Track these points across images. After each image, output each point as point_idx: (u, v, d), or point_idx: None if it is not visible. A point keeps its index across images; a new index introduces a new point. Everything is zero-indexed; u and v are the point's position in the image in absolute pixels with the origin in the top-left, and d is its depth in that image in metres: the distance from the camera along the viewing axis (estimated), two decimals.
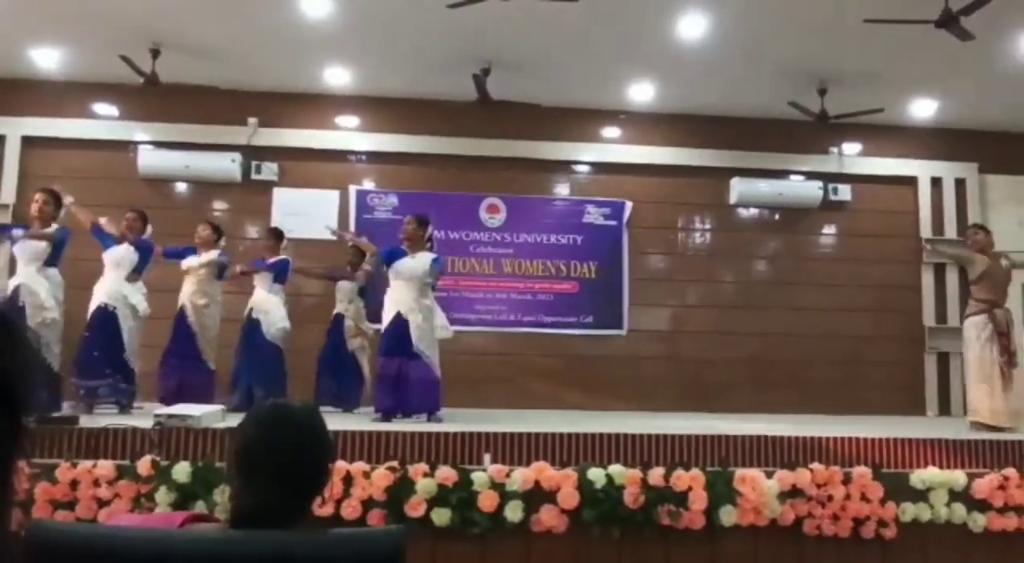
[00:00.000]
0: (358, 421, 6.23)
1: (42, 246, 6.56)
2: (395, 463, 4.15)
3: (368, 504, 4.03)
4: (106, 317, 6.72)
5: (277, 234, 8.19)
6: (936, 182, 10.52)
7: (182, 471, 4.01)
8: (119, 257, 6.94)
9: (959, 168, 10.50)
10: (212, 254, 7.60)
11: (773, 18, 7.72)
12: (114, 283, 6.81)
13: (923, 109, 9.91)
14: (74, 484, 4.01)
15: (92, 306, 6.83)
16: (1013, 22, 7.64)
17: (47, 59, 8.93)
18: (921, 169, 10.50)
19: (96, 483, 4.00)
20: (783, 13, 7.62)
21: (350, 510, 3.99)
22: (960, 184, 10.53)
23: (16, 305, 6.41)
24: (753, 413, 6.90)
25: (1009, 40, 8.01)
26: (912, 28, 7.06)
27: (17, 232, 6.88)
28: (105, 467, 4.03)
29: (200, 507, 3.91)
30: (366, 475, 4.07)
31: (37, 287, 6.41)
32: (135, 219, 7.31)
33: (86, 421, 4.62)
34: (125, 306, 6.77)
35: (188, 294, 7.45)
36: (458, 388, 8.27)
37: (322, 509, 4.00)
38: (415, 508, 4.03)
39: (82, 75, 9.24)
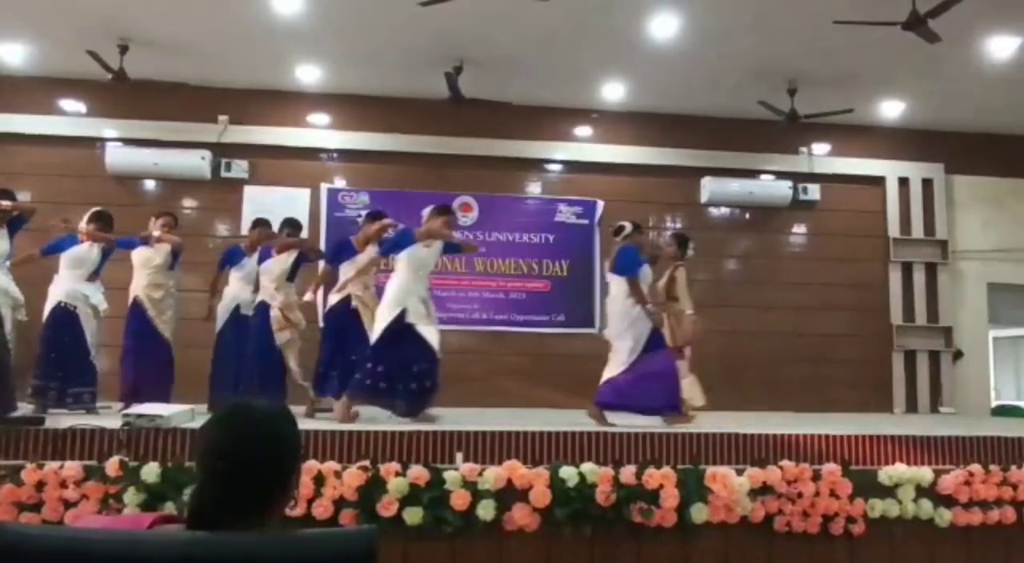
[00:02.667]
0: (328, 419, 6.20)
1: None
2: (367, 462, 4.13)
3: (340, 504, 4.00)
4: (66, 317, 6.56)
5: (295, 225, 7.47)
6: (903, 182, 10.67)
7: (151, 472, 3.96)
8: (80, 256, 6.78)
9: (926, 168, 10.66)
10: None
11: (743, 18, 7.78)
12: (72, 281, 6.66)
13: (891, 110, 10.04)
14: (40, 485, 3.94)
15: (49, 305, 6.65)
16: (979, 25, 7.76)
17: (12, 54, 8.80)
18: (889, 169, 10.65)
19: (63, 484, 3.93)
20: (753, 13, 7.69)
21: (321, 510, 3.96)
22: (927, 184, 10.69)
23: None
24: (724, 411, 6.93)
25: (976, 42, 8.13)
26: (881, 30, 7.15)
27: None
28: (72, 468, 3.96)
29: (169, 508, 3.86)
30: (337, 474, 4.04)
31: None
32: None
33: (52, 422, 4.54)
34: (86, 305, 6.63)
35: (142, 287, 7.08)
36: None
37: (293, 509, 3.98)
38: (387, 507, 4.01)
39: (48, 70, 9.12)
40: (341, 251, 6.78)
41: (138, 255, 7.15)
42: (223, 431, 1.56)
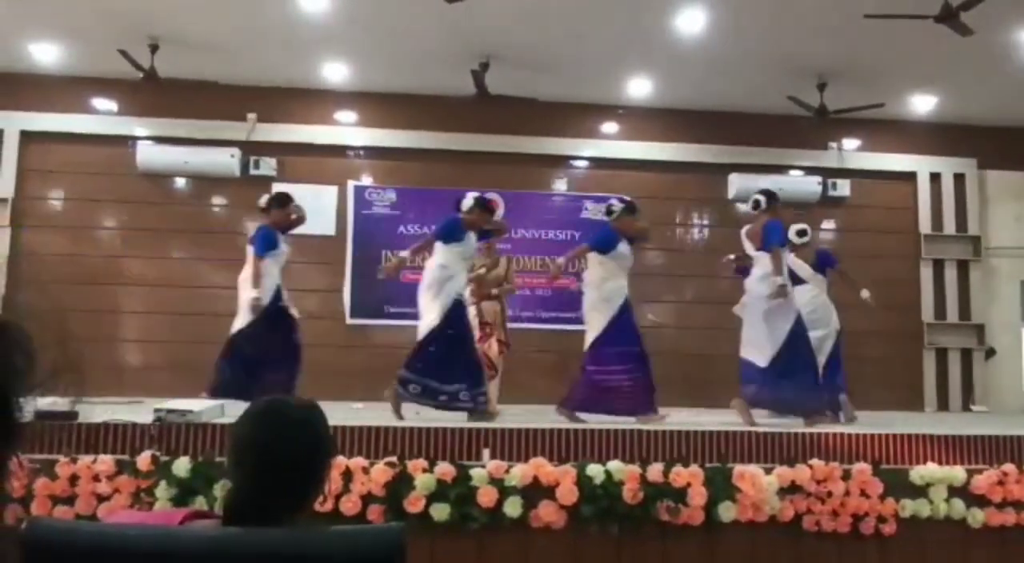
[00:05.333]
0: (355, 416, 6.22)
1: None
2: (394, 458, 4.15)
3: (367, 499, 4.03)
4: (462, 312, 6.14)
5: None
6: (935, 177, 10.51)
7: (182, 466, 4.01)
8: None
9: (958, 164, 10.50)
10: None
11: (772, 12, 7.71)
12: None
13: (922, 104, 9.90)
14: (73, 479, 4.00)
15: (445, 304, 5.96)
16: (1013, 17, 7.63)
17: (46, 54, 8.90)
18: (920, 165, 10.50)
19: (96, 478, 4.00)
20: (782, 7, 7.61)
21: (349, 505, 3.99)
22: (959, 179, 10.52)
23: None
24: (754, 408, 6.89)
25: (1009, 35, 8.00)
26: (912, 23, 7.05)
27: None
28: (105, 462, 4.03)
29: (200, 502, 3.92)
30: (365, 470, 4.07)
31: None
32: None
33: (85, 416, 4.60)
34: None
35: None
36: None
37: (322, 505, 4.00)
38: (414, 504, 4.03)
39: (81, 70, 9.22)
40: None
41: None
42: (259, 427, 1.57)
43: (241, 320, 6.10)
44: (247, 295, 6.11)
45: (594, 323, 5.97)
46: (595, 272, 6.06)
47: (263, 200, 6.50)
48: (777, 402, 5.95)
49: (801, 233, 7.29)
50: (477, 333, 6.95)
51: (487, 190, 9.89)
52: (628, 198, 6.43)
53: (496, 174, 9.94)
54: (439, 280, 5.88)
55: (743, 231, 6.40)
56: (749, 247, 6.39)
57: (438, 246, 6.05)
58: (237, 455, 1.56)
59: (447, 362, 5.71)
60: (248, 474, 1.52)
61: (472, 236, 6.14)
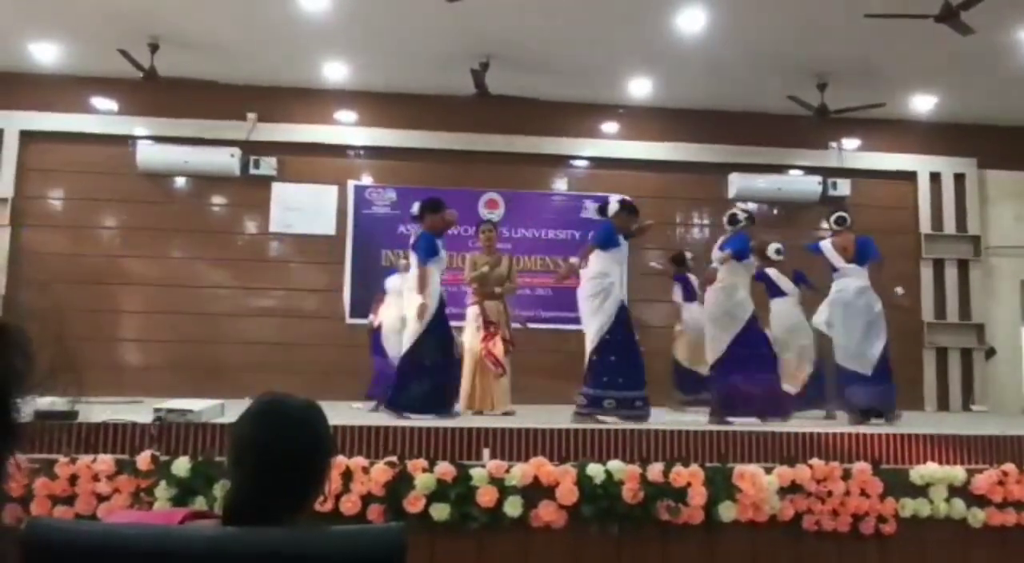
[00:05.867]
0: (355, 416, 6.25)
1: None
2: (394, 458, 4.15)
3: (367, 499, 4.03)
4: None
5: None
6: (935, 177, 10.52)
7: (182, 466, 4.01)
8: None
9: (958, 163, 10.50)
10: None
11: (772, 12, 7.71)
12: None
13: (922, 104, 9.89)
14: (73, 479, 4.00)
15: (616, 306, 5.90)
16: (1013, 17, 7.63)
17: (45, 53, 8.90)
18: (920, 164, 10.50)
19: (95, 478, 4.00)
20: (782, 7, 7.61)
21: (349, 505, 3.99)
22: (959, 179, 10.53)
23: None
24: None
25: (1009, 35, 7.99)
26: (912, 23, 7.04)
27: None
28: (104, 462, 4.02)
29: (200, 502, 3.91)
30: (365, 470, 4.07)
31: None
32: None
33: (84, 416, 4.60)
34: None
35: None
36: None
37: (322, 505, 4.00)
38: (414, 503, 4.03)
39: (81, 69, 9.22)
40: None
41: None
42: (259, 427, 1.57)
43: (411, 329, 6.05)
44: (414, 301, 6.08)
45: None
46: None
47: (415, 208, 6.46)
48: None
49: (778, 251, 7.85)
50: (481, 333, 7.00)
51: (487, 190, 9.97)
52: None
53: (496, 174, 9.95)
54: (604, 288, 5.80)
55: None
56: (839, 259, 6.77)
57: (596, 253, 5.97)
58: (237, 454, 1.55)
59: (629, 368, 5.67)
60: (248, 474, 1.51)
61: (624, 240, 6.08)
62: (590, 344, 5.74)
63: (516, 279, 7.62)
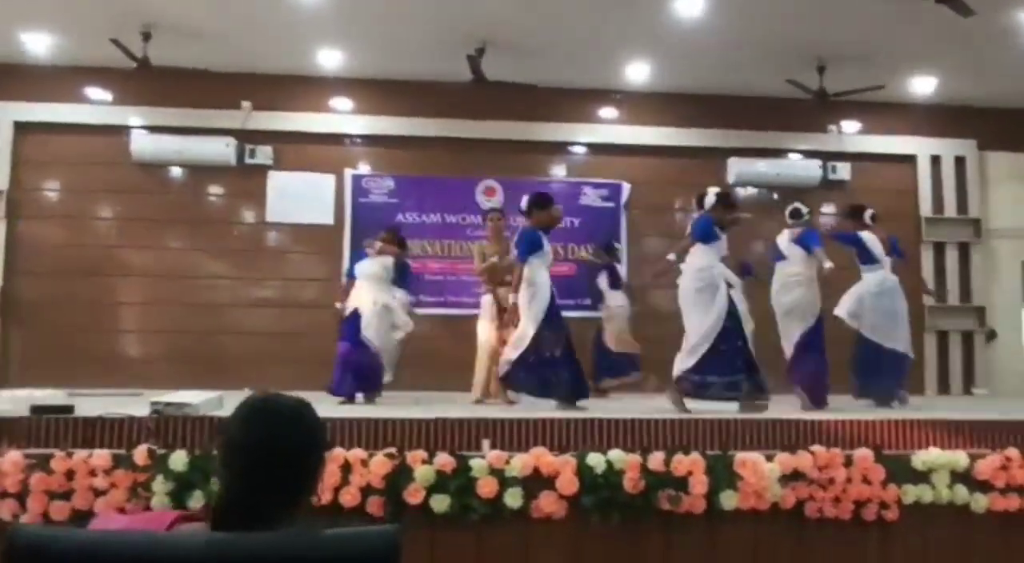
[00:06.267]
0: (353, 407, 6.24)
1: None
2: (393, 450, 4.12)
3: (366, 491, 4.00)
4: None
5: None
6: (935, 160, 10.47)
7: (179, 460, 3.97)
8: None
9: (958, 145, 10.45)
10: None
11: None
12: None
13: (922, 86, 9.83)
14: (70, 474, 3.96)
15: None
16: None
17: (38, 43, 8.83)
18: (920, 147, 10.45)
19: (92, 473, 3.96)
20: None
21: (349, 498, 3.96)
22: (959, 162, 10.48)
23: None
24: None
25: (1009, 16, 7.92)
26: (912, 4, 7.00)
27: None
28: (101, 456, 3.98)
29: (198, 497, 3.88)
30: (364, 462, 4.03)
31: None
32: None
33: (81, 410, 4.56)
34: None
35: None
36: (457, 373, 8.26)
37: (320, 499, 3.97)
38: (413, 495, 4.00)
39: (74, 59, 9.16)
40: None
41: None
42: (250, 425, 1.53)
43: (524, 326, 6.10)
44: (520, 300, 6.20)
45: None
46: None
47: (524, 203, 6.50)
48: None
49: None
50: (496, 321, 6.98)
51: (485, 177, 9.91)
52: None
53: (494, 161, 9.89)
54: (709, 281, 5.88)
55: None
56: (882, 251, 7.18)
57: (698, 247, 6.05)
58: (227, 454, 1.52)
59: (738, 355, 5.82)
60: (238, 474, 1.48)
61: (723, 232, 6.15)
62: (698, 332, 5.79)
63: None
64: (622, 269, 9.24)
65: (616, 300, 8.78)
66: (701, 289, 5.87)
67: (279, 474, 1.48)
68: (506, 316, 6.80)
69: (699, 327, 5.80)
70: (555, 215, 6.53)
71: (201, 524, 1.44)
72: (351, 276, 7.37)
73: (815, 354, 6.62)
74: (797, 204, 7.13)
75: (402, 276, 7.58)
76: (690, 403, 5.74)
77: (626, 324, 8.73)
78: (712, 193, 6.23)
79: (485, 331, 7.18)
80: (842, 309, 7.03)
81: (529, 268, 6.15)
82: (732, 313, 5.88)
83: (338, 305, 7.27)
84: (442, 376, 7.94)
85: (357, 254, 7.72)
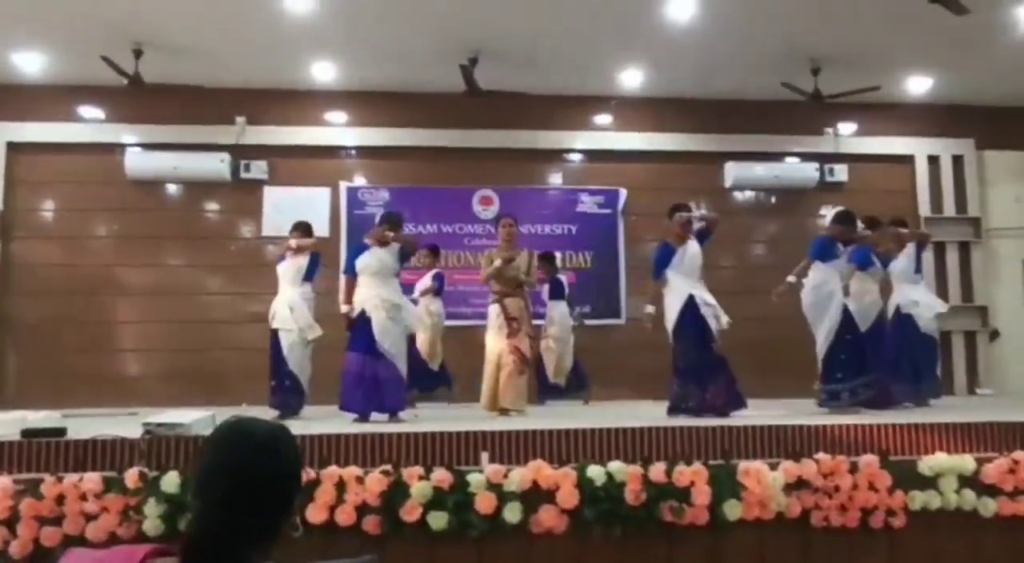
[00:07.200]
0: (349, 423, 6.06)
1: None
2: (389, 467, 4.05)
3: (362, 510, 3.93)
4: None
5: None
6: (933, 160, 10.42)
7: (171, 482, 3.90)
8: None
9: (956, 145, 10.40)
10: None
11: None
12: None
13: (918, 86, 9.78)
14: (60, 499, 3.89)
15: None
16: None
17: (29, 63, 8.79)
18: (917, 147, 10.40)
19: (83, 497, 3.89)
20: None
21: (344, 516, 3.89)
22: (957, 161, 10.42)
23: None
24: (755, 398, 6.80)
25: (1004, 13, 7.87)
26: (906, 3, 6.95)
27: None
28: (92, 480, 3.91)
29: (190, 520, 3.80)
30: (359, 480, 3.96)
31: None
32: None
33: (74, 432, 4.49)
34: None
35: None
36: (457, 383, 8.21)
37: (316, 516, 3.91)
38: (410, 512, 3.93)
39: (66, 78, 9.11)
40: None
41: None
42: (222, 453, 1.46)
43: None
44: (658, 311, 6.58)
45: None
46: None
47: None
48: None
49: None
50: (505, 330, 6.79)
51: (481, 187, 9.85)
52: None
53: (489, 170, 9.84)
54: (824, 296, 6.49)
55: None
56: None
57: (816, 265, 6.58)
58: (199, 484, 1.45)
59: (855, 362, 6.40)
60: (211, 503, 1.41)
61: (844, 248, 6.69)
62: (822, 346, 6.48)
63: (536, 274, 7.30)
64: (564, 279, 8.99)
65: (558, 309, 8.69)
66: (815, 304, 6.53)
67: (253, 504, 1.41)
68: (514, 325, 6.70)
69: (819, 338, 6.49)
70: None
71: (172, 559, 1.37)
72: (351, 273, 6.49)
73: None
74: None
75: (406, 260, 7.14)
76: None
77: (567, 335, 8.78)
78: (830, 212, 6.88)
79: (492, 341, 6.91)
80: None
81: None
82: (846, 323, 6.45)
83: (344, 308, 6.42)
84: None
85: (355, 250, 6.70)
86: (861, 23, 7.91)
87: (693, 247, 6.50)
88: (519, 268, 6.93)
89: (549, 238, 9.81)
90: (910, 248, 7.65)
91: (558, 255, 9.33)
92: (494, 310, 6.97)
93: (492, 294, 7.03)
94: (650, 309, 6.56)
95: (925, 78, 9.62)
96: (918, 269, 7.73)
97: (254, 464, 1.44)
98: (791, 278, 6.67)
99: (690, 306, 6.29)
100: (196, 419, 4.56)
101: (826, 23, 8.02)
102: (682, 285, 6.38)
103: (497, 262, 6.90)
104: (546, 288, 8.72)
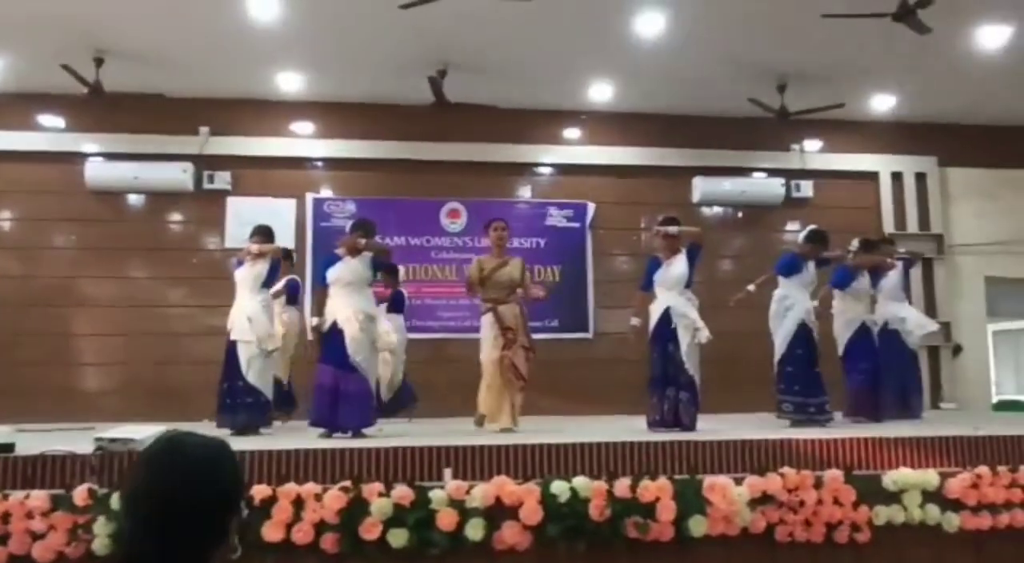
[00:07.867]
0: (308, 439, 5.88)
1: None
2: (348, 483, 3.95)
3: (320, 528, 3.83)
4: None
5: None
6: (896, 176, 10.55)
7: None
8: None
9: (919, 162, 10.54)
10: None
11: (731, 15, 7.65)
12: None
13: (882, 104, 9.91)
14: (5, 517, 3.75)
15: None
16: (969, 15, 7.64)
17: None
18: (882, 164, 10.53)
19: (29, 515, 3.75)
20: (740, 9, 7.55)
21: (301, 535, 3.79)
22: (920, 178, 10.57)
23: None
24: (723, 413, 6.79)
25: (966, 32, 8.01)
26: (870, 22, 7.02)
27: None
28: (38, 498, 3.78)
29: None
30: (317, 497, 3.86)
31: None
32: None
33: (23, 448, 4.34)
34: None
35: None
36: (424, 397, 8.11)
37: (272, 535, 3.80)
38: (370, 530, 3.83)
39: (25, 86, 8.95)
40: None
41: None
42: (154, 471, 1.38)
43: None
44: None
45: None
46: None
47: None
48: None
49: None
50: (501, 340, 6.42)
51: (449, 199, 9.80)
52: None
53: (458, 183, 9.79)
54: (782, 309, 6.65)
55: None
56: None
57: (780, 280, 6.77)
58: (128, 504, 1.36)
59: (804, 378, 6.49)
60: (141, 524, 1.33)
61: (810, 266, 6.78)
62: (776, 356, 6.65)
63: (528, 282, 6.84)
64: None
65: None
66: (774, 315, 6.69)
67: (181, 529, 1.32)
68: (509, 335, 6.40)
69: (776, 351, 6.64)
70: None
71: None
72: (323, 283, 6.23)
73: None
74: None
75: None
76: None
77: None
78: (805, 230, 7.06)
79: (488, 353, 6.48)
80: None
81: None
82: (802, 338, 6.54)
83: (314, 321, 6.17)
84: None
85: (325, 261, 6.37)
86: (826, 41, 7.99)
87: (678, 261, 6.35)
88: (511, 275, 6.58)
89: (518, 251, 9.64)
90: (899, 266, 7.91)
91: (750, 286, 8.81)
92: (487, 320, 6.55)
93: (484, 304, 6.60)
94: (635, 321, 6.50)
95: (889, 96, 9.75)
96: (906, 286, 8.10)
97: (183, 487, 1.35)
98: (751, 287, 7.03)
99: (665, 318, 6.22)
100: (149, 435, 4.42)
101: (792, 41, 8.10)
102: (662, 297, 6.30)
103: (481, 270, 6.56)
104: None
